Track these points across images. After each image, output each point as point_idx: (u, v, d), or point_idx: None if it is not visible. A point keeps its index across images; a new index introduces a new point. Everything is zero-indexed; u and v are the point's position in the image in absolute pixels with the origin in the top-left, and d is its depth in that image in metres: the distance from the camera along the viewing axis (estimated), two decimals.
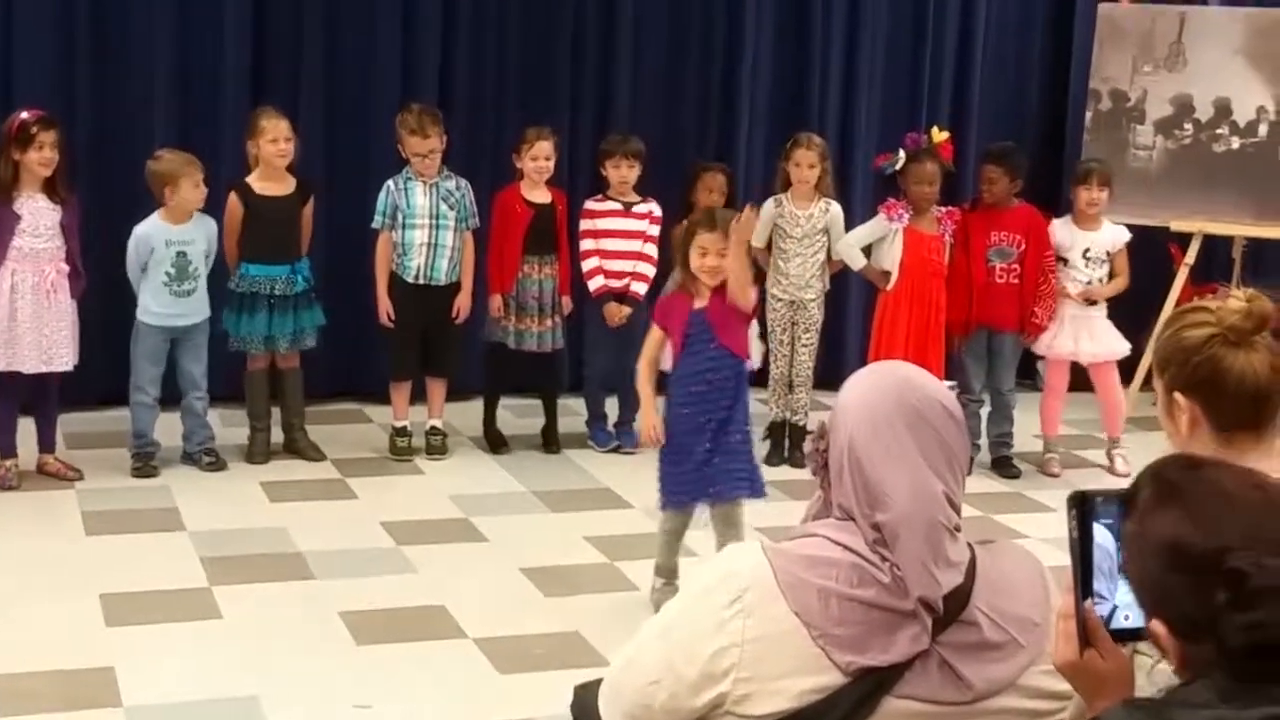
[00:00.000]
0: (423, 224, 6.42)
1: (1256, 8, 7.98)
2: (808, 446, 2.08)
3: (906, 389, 1.99)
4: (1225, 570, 1.45)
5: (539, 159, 6.55)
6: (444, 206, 6.45)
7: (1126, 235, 6.78)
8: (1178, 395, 2.30)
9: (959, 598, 1.94)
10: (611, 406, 6.98)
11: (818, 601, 1.91)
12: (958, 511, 1.97)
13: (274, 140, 6.20)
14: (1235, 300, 2.31)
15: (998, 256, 6.64)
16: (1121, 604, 1.66)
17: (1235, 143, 7.70)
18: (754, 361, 5.53)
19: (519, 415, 7.06)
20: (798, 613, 1.91)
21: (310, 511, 5.84)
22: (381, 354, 6.79)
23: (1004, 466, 6.75)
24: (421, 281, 6.45)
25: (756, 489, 4.95)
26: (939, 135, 6.69)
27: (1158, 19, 7.84)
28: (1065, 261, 6.71)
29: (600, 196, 6.79)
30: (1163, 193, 7.66)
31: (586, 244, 6.75)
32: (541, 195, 6.63)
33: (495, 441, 6.78)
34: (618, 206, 6.75)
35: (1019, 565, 2.03)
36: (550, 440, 6.83)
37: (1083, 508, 1.69)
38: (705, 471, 4.87)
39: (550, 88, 7.47)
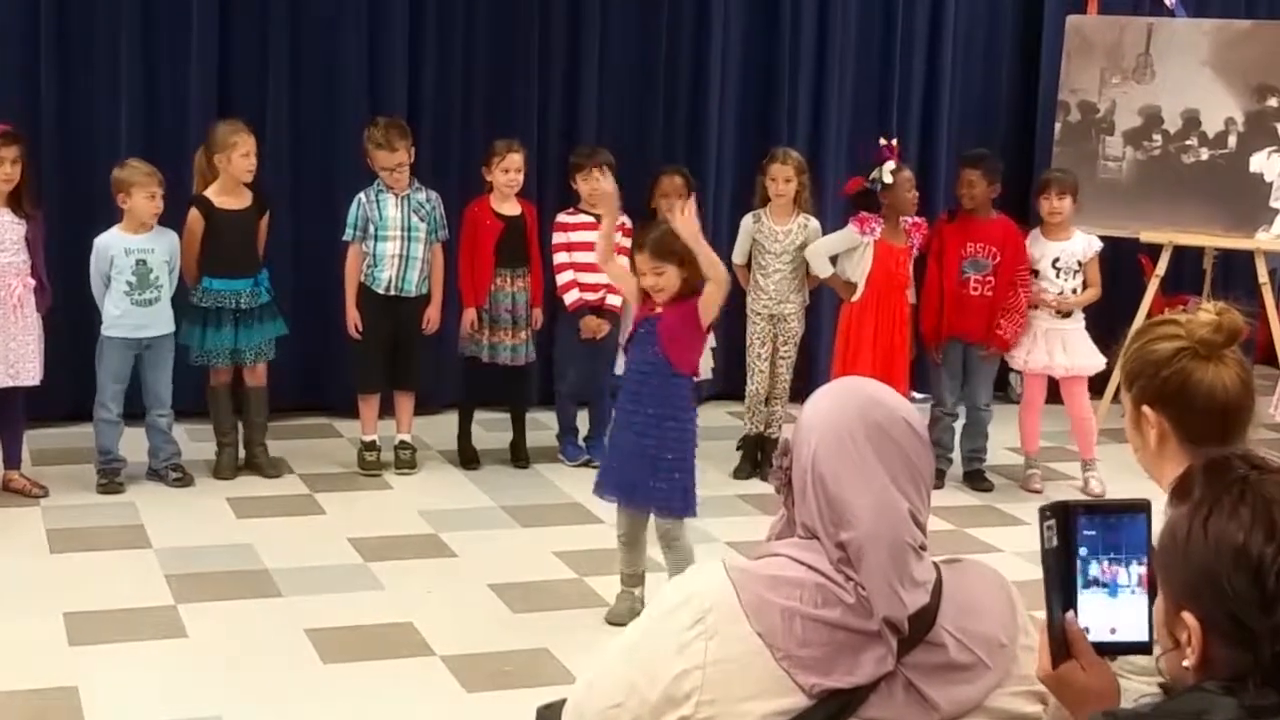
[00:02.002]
0: (394, 236, 6.39)
1: (1223, 20, 8.01)
2: (773, 464, 2.05)
3: (871, 406, 1.97)
4: None
5: (509, 171, 6.52)
6: (415, 219, 6.43)
7: (1098, 245, 6.77)
8: (1146, 409, 2.28)
9: (925, 618, 1.91)
10: (583, 421, 6.95)
11: (781, 622, 1.88)
12: (923, 530, 1.94)
13: (246, 154, 6.17)
14: (1205, 313, 2.30)
15: (972, 268, 6.64)
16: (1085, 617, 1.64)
17: (1204, 154, 7.72)
18: (703, 373, 5.48)
19: (489, 429, 7.03)
20: (761, 634, 1.88)
21: (277, 527, 5.79)
22: (349, 367, 6.74)
23: (976, 480, 6.74)
24: (392, 293, 6.42)
25: (677, 508, 4.92)
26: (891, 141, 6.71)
27: (1125, 31, 7.86)
28: (1036, 273, 6.70)
29: (572, 209, 6.77)
30: (1132, 204, 7.68)
31: (560, 257, 6.72)
32: (511, 208, 6.60)
33: (468, 457, 6.74)
34: (590, 219, 6.71)
35: (986, 585, 2.01)
36: (519, 455, 6.79)
37: (1064, 518, 1.67)
38: (628, 473, 4.83)
39: (517, 101, 7.45)
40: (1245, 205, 7.64)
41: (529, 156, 6.82)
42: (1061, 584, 1.67)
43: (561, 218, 6.75)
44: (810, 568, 1.91)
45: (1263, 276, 7.52)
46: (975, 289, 6.61)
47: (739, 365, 6.94)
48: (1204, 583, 1.48)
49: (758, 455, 6.78)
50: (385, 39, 7.20)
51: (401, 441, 6.65)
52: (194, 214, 6.24)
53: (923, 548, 1.94)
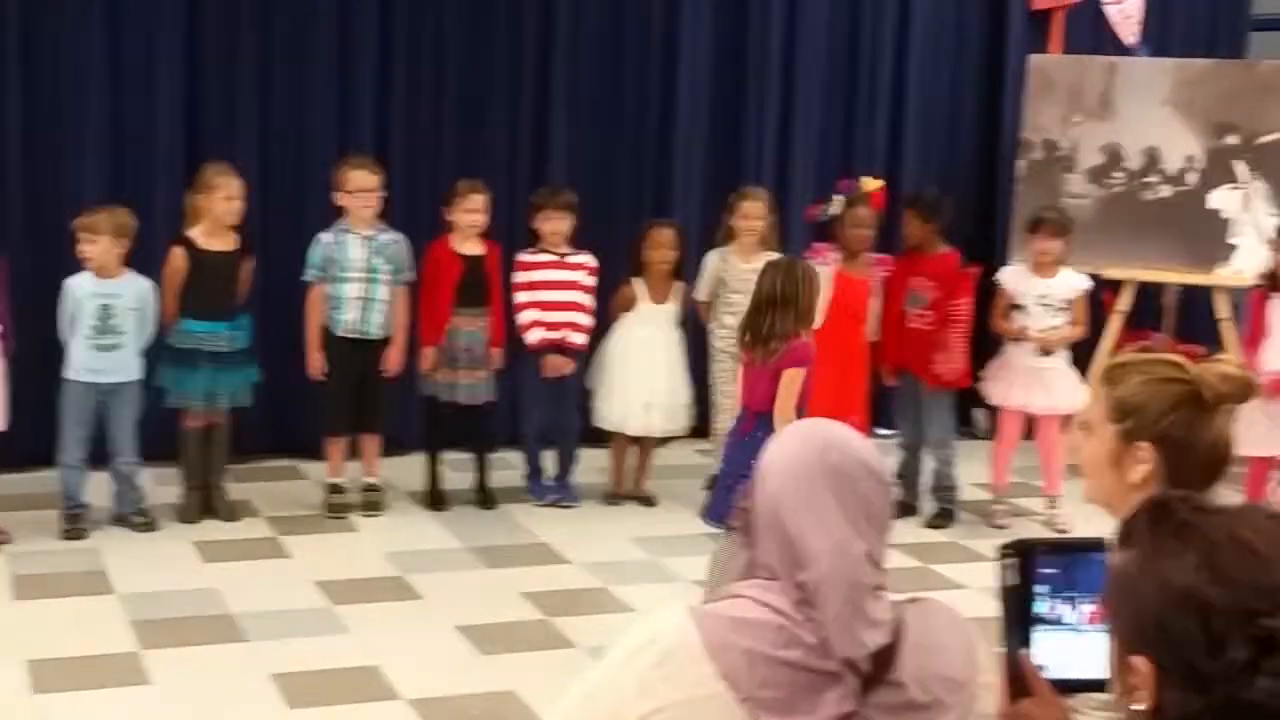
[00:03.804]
0: (357, 277, 6.38)
1: (1182, 59, 8.10)
2: (736, 505, 2.06)
3: (830, 448, 1.98)
4: (1259, 630, 1.42)
5: (471, 212, 6.53)
6: (379, 260, 6.42)
7: (1087, 283, 6.80)
8: (1141, 445, 2.27)
9: (885, 658, 1.91)
10: (549, 460, 6.94)
11: (743, 664, 1.88)
12: (881, 571, 1.95)
13: (229, 197, 6.17)
14: (1225, 365, 2.30)
15: (912, 302, 6.69)
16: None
17: (1165, 191, 7.80)
18: None
19: (456, 470, 7.00)
20: (723, 675, 1.88)
21: (243, 571, 5.75)
22: (316, 410, 6.72)
23: (938, 518, 6.73)
24: (354, 335, 6.41)
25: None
26: (871, 184, 6.74)
27: (1087, 70, 7.95)
28: (1020, 309, 6.73)
29: (534, 249, 6.77)
30: (1095, 240, 7.72)
31: (522, 296, 6.72)
32: (473, 247, 6.60)
33: (436, 499, 6.72)
34: (553, 258, 6.73)
35: (946, 624, 2.01)
36: (485, 496, 6.77)
37: (1024, 556, 1.68)
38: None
39: (486, 142, 7.47)
40: (1205, 241, 7.72)
41: (497, 197, 6.84)
42: (1019, 621, 1.68)
43: (523, 257, 6.75)
44: (772, 609, 1.91)
45: (1223, 312, 7.59)
46: (914, 322, 6.66)
47: (705, 403, 6.95)
48: (1152, 627, 1.47)
49: None
50: (354, 80, 7.22)
51: (368, 484, 6.63)
52: (177, 253, 6.22)
53: (880, 588, 1.94)
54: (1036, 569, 1.69)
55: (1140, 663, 1.47)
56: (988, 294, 6.91)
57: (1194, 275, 7.76)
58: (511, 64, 7.52)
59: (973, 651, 1.98)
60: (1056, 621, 1.69)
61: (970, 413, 7.95)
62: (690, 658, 1.89)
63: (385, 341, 6.48)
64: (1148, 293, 8.00)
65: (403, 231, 6.60)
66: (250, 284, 6.43)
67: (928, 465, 6.81)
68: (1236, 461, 2.33)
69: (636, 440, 6.96)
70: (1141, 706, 1.47)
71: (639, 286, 6.79)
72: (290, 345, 6.71)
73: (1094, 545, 1.65)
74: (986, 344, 7.02)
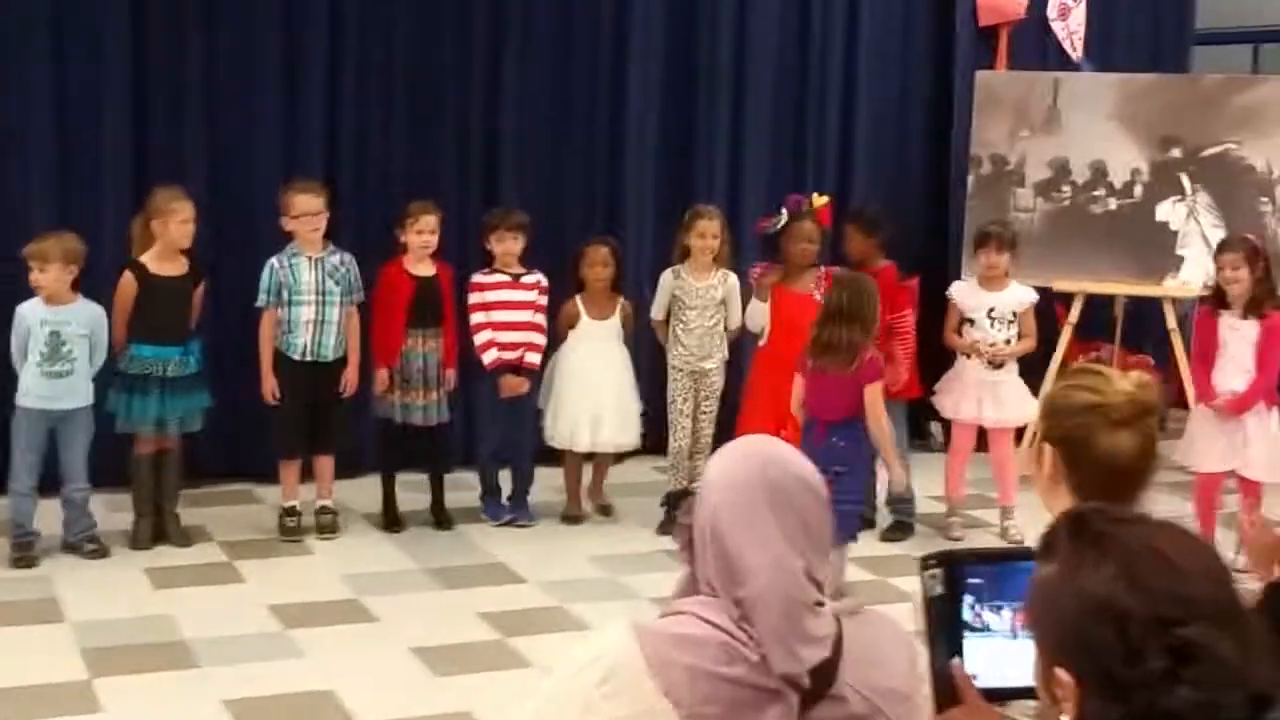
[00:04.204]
0: (309, 300, 6.37)
1: (1126, 73, 8.19)
2: (678, 521, 2.07)
3: (770, 465, 1.99)
4: (1174, 640, 1.44)
5: (423, 233, 6.53)
6: (330, 282, 6.41)
7: (1033, 296, 6.86)
8: (1046, 446, 2.37)
9: (827, 672, 1.92)
10: (505, 480, 6.93)
11: (686, 680, 1.89)
12: (820, 588, 1.96)
13: (184, 221, 6.15)
14: (1126, 382, 2.38)
15: None
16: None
17: (1112, 204, 7.88)
18: None
19: (411, 491, 6.98)
20: (666, 692, 1.89)
21: (196, 597, 5.71)
22: (270, 433, 6.68)
23: (894, 531, 6.76)
24: (309, 359, 6.39)
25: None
26: (819, 200, 6.78)
27: (1033, 85, 8.03)
28: (971, 323, 6.78)
29: (487, 270, 6.77)
30: (1044, 253, 7.80)
31: (477, 317, 6.72)
32: (425, 268, 6.60)
33: (391, 520, 6.70)
34: (506, 278, 6.74)
35: (887, 637, 2.02)
36: (440, 516, 6.76)
37: (949, 567, 1.69)
38: None
39: (437, 162, 7.47)
40: (1153, 253, 7.80)
41: (448, 218, 6.84)
42: (947, 631, 1.70)
43: (477, 278, 6.75)
44: (714, 625, 1.92)
45: (1172, 323, 7.67)
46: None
47: (662, 421, 6.96)
48: (1073, 638, 1.49)
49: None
50: (302, 103, 7.21)
51: (323, 506, 6.60)
52: (127, 278, 6.18)
53: (819, 604, 1.95)
54: (963, 579, 1.70)
55: (1063, 675, 1.49)
56: (938, 307, 6.96)
57: (1142, 287, 7.83)
58: (461, 85, 7.53)
59: (915, 664, 1.99)
60: (985, 630, 1.71)
61: (925, 426, 8.00)
62: (633, 675, 1.90)
63: (339, 363, 6.46)
64: (1097, 305, 8.07)
65: (354, 253, 6.58)
66: (202, 309, 6.40)
67: (882, 478, 6.84)
68: (1154, 474, 2.37)
69: (590, 458, 6.96)
70: (1066, 717, 1.48)
71: (579, 305, 6.80)
72: (243, 369, 6.68)
73: (1019, 554, 1.67)
74: (939, 358, 7.07)
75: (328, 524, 6.56)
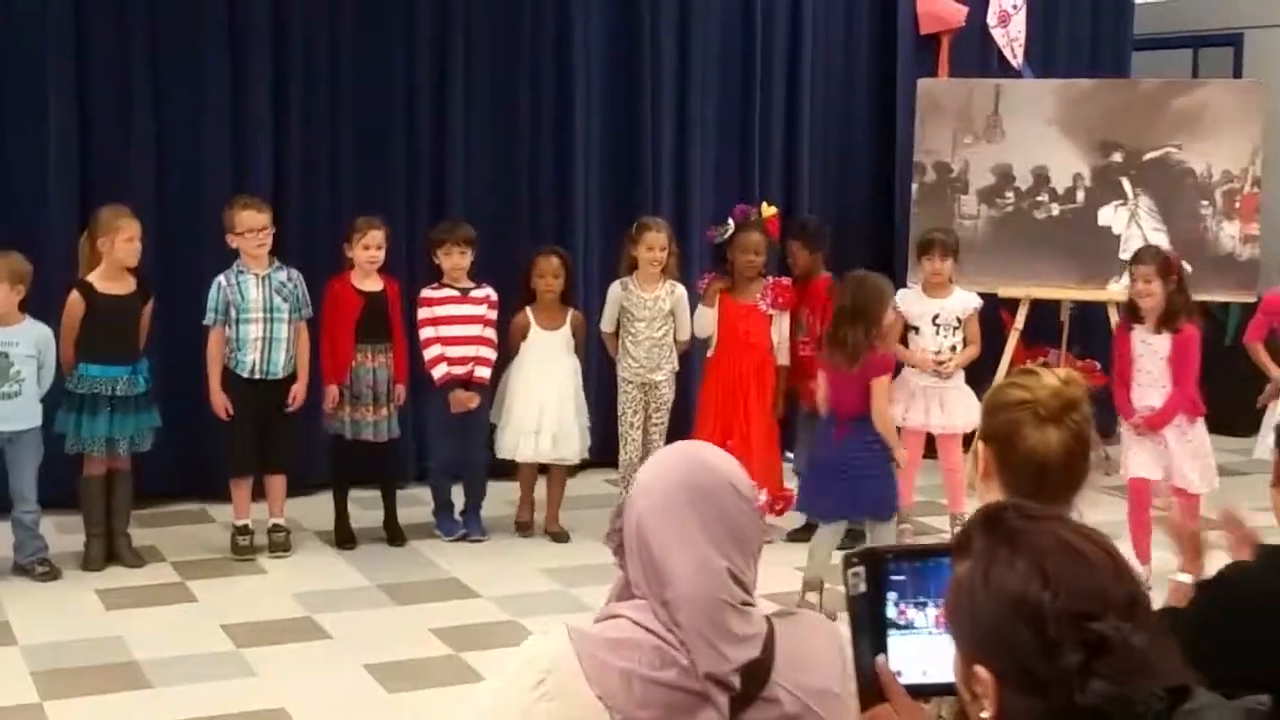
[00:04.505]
0: (257, 318, 6.36)
1: (1067, 79, 8.28)
2: (611, 526, 2.10)
3: (696, 469, 2.02)
4: (1089, 634, 1.46)
5: (370, 248, 6.53)
6: (278, 299, 6.41)
7: (977, 302, 6.92)
8: (980, 443, 2.42)
9: (758, 673, 1.95)
10: (457, 495, 6.93)
11: (620, 684, 1.92)
12: (747, 589, 1.99)
13: (130, 239, 6.13)
14: (1052, 378, 2.41)
15: (799, 330, 6.84)
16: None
17: (1055, 209, 7.96)
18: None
19: (364, 507, 6.97)
20: (601, 696, 1.91)
21: (148, 618, 5.69)
22: (222, 452, 6.66)
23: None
24: (258, 376, 6.38)
25: None
26: (767, 210, 6.82)
27: (974, 92, 8.11)
28: (916, 330, 6.84)
29: (436, 284, 6.78)
30: (989, 260, 7.87)
31: (426, 332, 6.72)
32: (373, 284, 6.60)
33: (344, 537, 6.69)
34: (455, 293, 6.75)
35: (817, 636, 2.06)
36: (393, 532, 6.76)
37: (873, 565, 1.72)
38: None
39: (384, 177, 7.48)
40: (1096, 258, 7.88)
41: (396, 233, 6.84)
42: (871, 629, 1.72)
43: (426, 293, 6.76)
44: (648, 629, 1.95)
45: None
46: (804, 349, 6.80)
47: (613, 433, 6.98)
48: (990, 636, 1.50)
49: None
50: (247, 119, 7.20)
51: (275, 524, 6.58)
52: (74, 297, 6.16)
53: (747, 605, 1.98)
54: (886, 576, 1.73)
55: (982, 672, 1.51)
56: None
57: (1087, 291, 7.92)
58: (407, 99, 7.55)
59: (846, 663, 2.02)
60: (909, 627, 1.73)
61: None
62: (569, 679, 1.93)
63: (288, 380, 6.45)
64: (1044, 310, 8.15)
65: (302, 269, 6.58)
66: (150, 327, 6.39)
67: None
68: (1086, 472, 2.41)
69: (544, 471, 6.98)
70: (986, 715, 1.51)
71: (529, 316, 6.82)
72: (192, 387, 6.67)
73: (943, 551, 1.70)
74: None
75: (280, 542, 6.55)
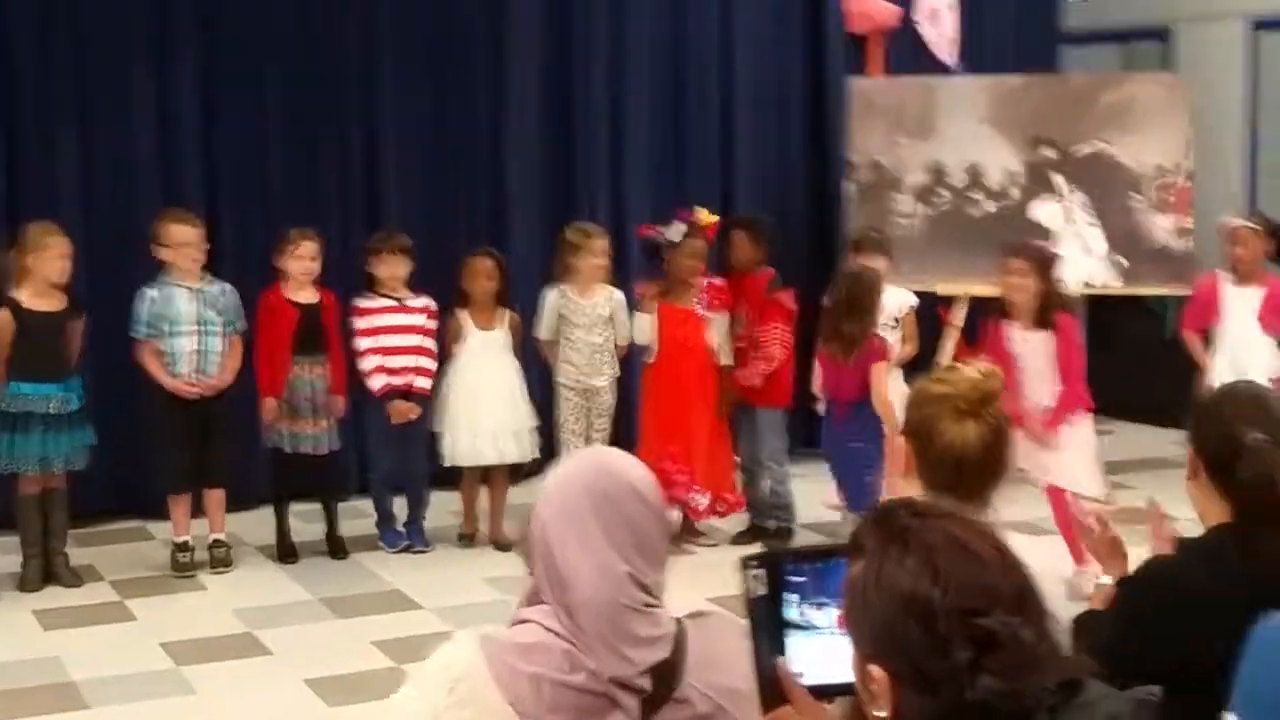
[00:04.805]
0: (190, 331, 6.32)
1: (996, 76, 8.33)
2: (518, 533, 2.11)
3: (598, 474, 2.03)
4: (976, 630, 1.46)
5: (304, 259, 6.50)
6: (211, 312, 6.36)
7: (913, 300, 6.95)
8: (902, 438, 2.44)
9: (669, 675, 1.96)
10: (400, 506, 6.90)
11: (530, 689, 1.92)
12: (651, 591, 1.99)
13: (59, 256, 6.07)
14: (972, 372, 2.42)
15: (736, 325, 6.82)
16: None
17: (990, 206, 8.00)
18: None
19: (306, 521, 6.93)
20: (512, 702, 1.92)
21: (85, 638, 5.64)
22: (159, 468, 6.61)
23: (777, 537, 6.80)
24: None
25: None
26: (707, 217, 6.81)
27: (906, 90, 8.14)
28: None
29: (372, 294, 6.75)
30: (926, 258, 7.90)
31: (363, 343, 6.69)
32: (308, 295, 6.57)
33: (286, 551, 6.65)
34: (391, 303, 6.72)
35: (728, 635, 2.05)
36: (335, 545, 6.72)
37: (772, 567, 1.72)
38: None
39: (317, 188, 7.45)
40: None
41: (331, 243, 6.81)
42: (771, 630, 1.72)
43: (361, 303, 6.72)
44: (557, 634, 1.96)
45: None
46: (740, 343, 6.80)
47: (556, 441, 6.96)
48: (882, 634, 1.51)
49: None
50: (177, 131, 7.17)
51: (215, 540, 6.54)
52: (3, 316, 6.09)
53: (651, 607, 1.98)
54: (785, 577, 1.73)
55: (876, 671, 1.51)
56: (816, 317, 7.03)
57: None
58: (338, 108, 7.52)
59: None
60: (809, 627, 1.73)
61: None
62: (479, 685, 1.93)
63: (222, 394, 6.41)
64: (982, 307, 8.18)
65: (236, 282, 6.55)
66: (81, 344, 6.32)
67: (766, 485, 6.91)
68: (1005, 467, 2.42)
69: (486, 480, 6.95)
70: (883, 714, 1.51)
71: (464, 318, 6.79)
72: (128, 403, 6.62)
73: (843, 551, 1.70)
74: None
75: (221, 558, 6.50)
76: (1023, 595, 1.49)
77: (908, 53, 8.66)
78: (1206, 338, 7.02)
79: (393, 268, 6.67)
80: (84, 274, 6.72)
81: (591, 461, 2.09)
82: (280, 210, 7.21)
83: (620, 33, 8.09)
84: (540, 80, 7.96)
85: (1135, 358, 8.84)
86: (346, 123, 7.55)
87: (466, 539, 6.93)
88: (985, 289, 7.92)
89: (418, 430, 6.78)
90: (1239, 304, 6.82)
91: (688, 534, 6.81)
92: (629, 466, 2.06)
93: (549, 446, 6.98)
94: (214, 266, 6.52)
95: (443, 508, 7.01)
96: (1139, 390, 8.62)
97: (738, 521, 6.91)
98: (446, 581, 6.36)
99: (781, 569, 1.72)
